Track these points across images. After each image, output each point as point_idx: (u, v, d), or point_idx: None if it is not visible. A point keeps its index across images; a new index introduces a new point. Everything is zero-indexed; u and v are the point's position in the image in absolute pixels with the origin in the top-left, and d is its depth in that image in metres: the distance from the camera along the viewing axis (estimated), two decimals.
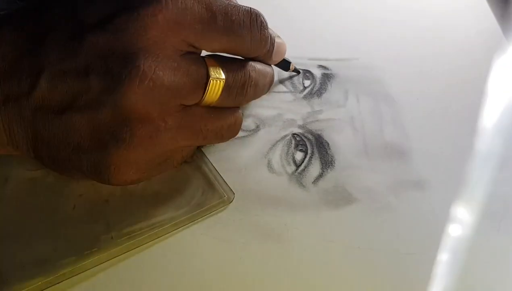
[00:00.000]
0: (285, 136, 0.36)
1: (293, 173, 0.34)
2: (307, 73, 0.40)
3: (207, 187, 0.32)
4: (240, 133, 0.35)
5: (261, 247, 0.30)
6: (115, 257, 0.29)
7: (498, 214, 0.32)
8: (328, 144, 0.36)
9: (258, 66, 0.31)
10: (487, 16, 0.46)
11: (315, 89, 0.39)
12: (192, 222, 0.30)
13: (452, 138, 0.36)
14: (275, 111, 0.37)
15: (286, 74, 0.40)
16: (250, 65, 0.30)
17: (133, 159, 0.27)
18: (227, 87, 0.28)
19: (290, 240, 0.30)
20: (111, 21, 0.25)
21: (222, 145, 0.34)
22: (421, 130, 0.37)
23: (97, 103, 0.25)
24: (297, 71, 0.39)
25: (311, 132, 0.36)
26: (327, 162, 0.34)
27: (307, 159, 0.34)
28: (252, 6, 0.29)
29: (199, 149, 0.33)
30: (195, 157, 0.33)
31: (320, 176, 0.34)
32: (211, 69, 0.27)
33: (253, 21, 0.28)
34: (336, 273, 0.29)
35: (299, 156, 0.35)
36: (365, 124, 0.37)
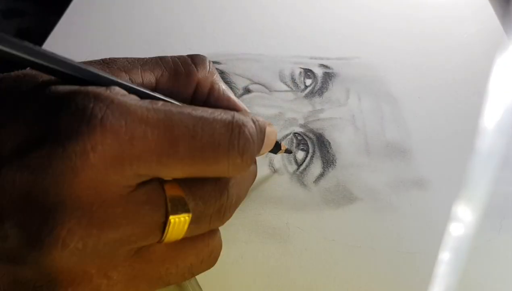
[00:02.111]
0: (287, 135, 0.36)
1: (294, 172, 0.34)
2: (309, 72, 0.40)
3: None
4: None
5: (262, 246, 0.30)
6: None
7: (500, 213, 0.32)
8: (329, 143, 0.36)
9: (238, 176, 0.24)
10: (489, 15, 0.46)
11: (316, 88, 0.39)
12: None
13: (453, 137, 0.36)
14: (276, 110, 0.37)
15: (287, 72, 0.40)
16: (227, 180, 0.23)
17: None
18: (196, 219, 0.22)
19: (292, 239, 0.30)
20: (32, 155, 0.18)
21: None
22: (423, 130, 0.37)
23: (17, 257, 0.19)
24: (288, 151, 0.34)
25: (313, 131, 0.36)
26: (328, 161, 0.34)
27: (308, 158, 0.35)
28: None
29: None
30: None
31: (322, 175, 0.34)
32: (171, 202, 0.20)
33: (233, 141, 0.21)
34: (338, 271, 0.29)
35: (300, 155, 0.35)
36: (366, 123, 0.37)
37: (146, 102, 0.20)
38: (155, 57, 0.24)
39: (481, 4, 0.47)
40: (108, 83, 0.20)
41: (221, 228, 0.30)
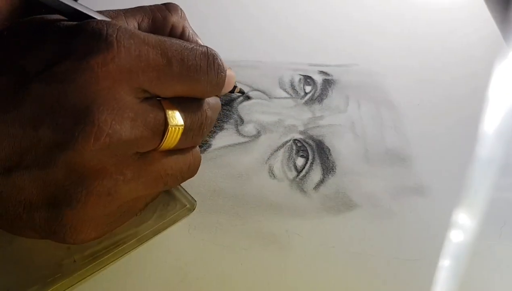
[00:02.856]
0: (286, 142, 0.36)
1: (294, 179, 0.34)
2: (308, 79, 0.40)
3: (167, 198, 0.31)
4: (241, 139, 0.35)
5: (262, 252, 0.30)
6: (82, 279, 0.28)
7: (500, 220, 0.32)
8: (329, 150, 0.36)
9: (212, 102, 0.29)
10: (488, 21, 0.46)
11: (316, 95, 0.39)
12: (156, 234, 0.30)
13: (453, 144, 0.36)
14: (276, 117, 0.37)
15: (287, 79, 0.40)
16: (206, 104, 0.28)
17: (90, 217, 0.25)
18: (185, 131, 0.27)
19: (291, 245, 0.30)
20: (57, 69, 0.22)
21: (222, 151, 0.34)
22: (422, 136, 0.37)
23: (48, 160, 0.23)
24: (241, 92, 0.38)
25: (312, 138, 0.36)
26: (328, 168, 0.34)
27: (308, 164, 0.34)
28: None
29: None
30: None
31: (321, 181, 0.34)
32: (169, 115, 0.25)
33: (210, 64, 0.27)
34: (337, 278, 0.29)
35: (300, 161, 0.35)
36: (366, 130, 0.37)
37: (143, 32, 0.24)
38: (136, 7, 0.29)
39: (479, 11, 0.47)
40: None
41: (220, 234, 0.30)
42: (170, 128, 0.25)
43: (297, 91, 0.39)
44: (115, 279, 0.28)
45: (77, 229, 0.25)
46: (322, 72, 0.41)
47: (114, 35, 0.23)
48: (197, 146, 0.29)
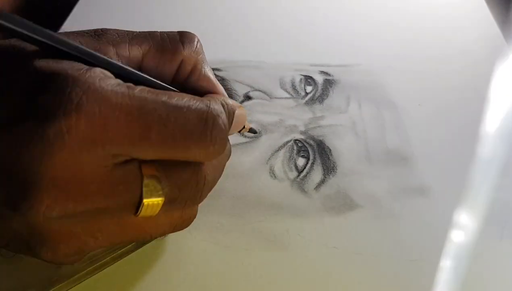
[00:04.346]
0: (287, 142, 0.36)
1: (295, 179, 0.34)
2: (309, 79, 0.40)
3: None
4: (242, 140, 0.35)
5: (263, 253, 0.30)
6: (81, 282, 0.27)
7: (501, 220, 0.32)
8: (330, 150, 0.35)
9: (214, 162, 0.25)
10: (489, 22, 0.46)
11: (317, 95, 0.39)
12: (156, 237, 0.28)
13: (454, 144, 0.36)
14: (277, 117, 0.37)
15: (287, 79, 0.40)
16: (205, 166, 0.24)
17: (61, 255, 0.23)
18: (169, 203, 0.23)
19: (292, 246, 0.30)
20: (14, 129, 0.20)
21: None
22: (423, 136, 0.37)
23: (4, 215, 0.21)
24: (253, 131, 0.34)
25: (313, 138, 0.36)
26: (329, 168, 0.34)
27: (309, 165, 0.34)
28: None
29: None
30: None
31: (322, 182, 0.34)
32: (146, 187, 0.22)
33: (205, 131, 0.22)
34: (339, 279, 0.29)
35: (301, 162, 0.35)
36: (367, 130, 0.37)
37: (123, 88, 0.21)
38: (145, 32, 0.25)
39: (481, 11, 0.47)
40: (91, 59, 0.22)
41: (221, 235, 0.30)
42: (144, 202, 0.22)
43: (298, 91, 0.39)
44: (114, 281, 0.28)
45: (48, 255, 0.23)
46: (323, 72, 0.41)
47: (75, 101, 0.20)
48: (193, 208, 0.26)
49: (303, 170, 0.34)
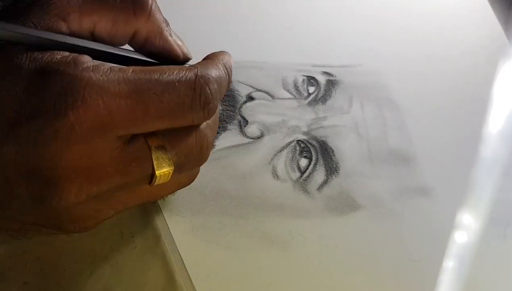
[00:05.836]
0: (290, 143, 0.36)
1: (297, 180, 0.34)
2: (312, 80, 0.40)
3: (167, 283, 0.29)
4: (245, 140, 0.35)
5: (265, 253, 0.30)
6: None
7: (504, 221, 0.32)
8: (332, 150, 0.35)
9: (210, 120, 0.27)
10: (492, 21, 0.46)
11: (319, 95, 0.39)
12: None
13: (456, 144, 0.36)
14: (280, 118, 0.37)
15: (290, 80, 0.40)
16: (203, 125, 0.26)
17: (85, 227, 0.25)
18: (178, 170, 0.25)
19: (295, 246, 0.30)
20: (27, 129, 0.21)
21: (226, 152, 0.34)
22: (426, 137, 0.37)
23: (34, 205, 0.22)
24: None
25: (316, 139, 0.36)
26: (331, 169, 0.34)
27: (311, 165, 0.34)
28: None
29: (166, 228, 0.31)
30: (161, 241, 0.30)
31: (325, 182, 0.34)
32: (156, 160, 0.24)
33: (195, 100, 0.24)
34: (341, 279, 0.29)
35: (303, 162, 0.35)
36: (369, 131, 0.37)
37: (117, 74, 0.22)
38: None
39: (483, 11, 0.47)
40: (65, 46, 0.23)
41: (223, 235, 0.30)
42: (157, 174, 0.24)
43: (300, 92, 0.39)
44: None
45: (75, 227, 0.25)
46: (325, 73, 0.41)
47: (80, 96, 0.21)
48: (195, 171, 0.28)
49: (305, 170, 0.34)
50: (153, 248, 0.29)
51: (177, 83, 0.24)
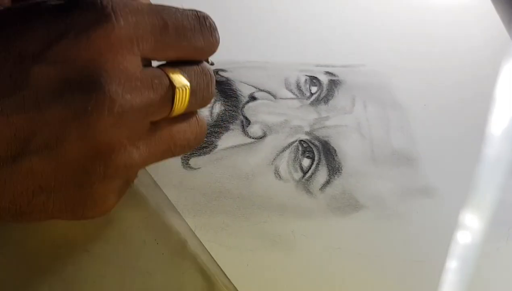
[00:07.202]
0: (292, 143, 0.36)
1: (300, 180, 0.34)
2: (314, 80, 0.40)
3: (205, 284, 0.28)
4: (247, 140, 0.35)
5: (268, 254, 0.30)
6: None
7: (508, 221, 0.32)
8: (335, 151, 0.35)
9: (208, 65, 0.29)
10: (495, 21, 0.46)
11: (322, 95, 0.39)
12: None
13: (460, 145, 0.36)
14: (282, 117, 0.37)
15: (292, 80, 0.40)
16: (206, 64, 0.28)
17: (109, 190, 0.25)
18: (193, 92, 0.27)
19: (297, 246, 0.30)
20: (57, 48, 0.22)
21: (228, 152, 0.34)
22: (429, 137, 0.37)
23: (60, 140, 0.22)
24: (211, 63, 0.35)
25: (318, 139, 0.36)
26: (334, 169, 0.34)
27: (314, 165, 0.34)
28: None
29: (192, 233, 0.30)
30: (190, 246, 0.30)
31: (327, 182, 0.34)
32: (173, 78, 0.26)
33: (203, 24, 0.27)
34: (344, 280, 0.29)
35: (306, 162, 0.35)
36: (372, 131, 0.37)
37: (134, 1, 0.24)
38: None
39: (487, 11, 0.47)
40: None
41: (226, 235, 0.30)
42: (177, 90, 0.25)
43: (303, 92, 0.39)
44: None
45: (97, 203, 0.25)
46: (328, 73, 0.41)
47: (110, 6, 0.23)
48: (202, 116, 0.30)
49: (308, 170, 0.34)
50: (181, 251, 0.29)
51: (184, 10, 0.26)
